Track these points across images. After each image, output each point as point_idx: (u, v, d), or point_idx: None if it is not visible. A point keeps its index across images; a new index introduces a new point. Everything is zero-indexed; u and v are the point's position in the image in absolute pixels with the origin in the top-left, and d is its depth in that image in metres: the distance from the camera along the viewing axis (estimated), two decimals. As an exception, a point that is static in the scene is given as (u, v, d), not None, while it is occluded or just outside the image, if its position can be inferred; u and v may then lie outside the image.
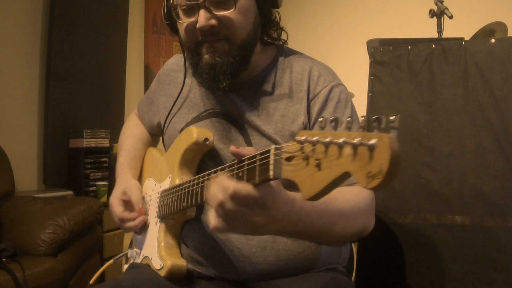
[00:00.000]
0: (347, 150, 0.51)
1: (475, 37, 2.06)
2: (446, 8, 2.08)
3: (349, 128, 0.53)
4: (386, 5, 3.81)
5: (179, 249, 1.03)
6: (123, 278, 0.96)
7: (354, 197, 0.86)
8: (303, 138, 0.57)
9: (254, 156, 0.68)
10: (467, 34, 1.89)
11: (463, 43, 1.35)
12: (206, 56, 0.96)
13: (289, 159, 0.60)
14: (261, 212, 0.67)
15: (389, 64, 1.44)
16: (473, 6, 3.26)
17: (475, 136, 1.30)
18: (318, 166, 0.54)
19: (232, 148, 0.72)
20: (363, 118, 0.51)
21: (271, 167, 0.63)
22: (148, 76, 3.71)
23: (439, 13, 2.13)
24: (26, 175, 2.78)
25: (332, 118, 0.55)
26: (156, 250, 1.01)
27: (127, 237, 1.22)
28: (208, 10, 0.92)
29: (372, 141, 0.48)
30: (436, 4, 2.13)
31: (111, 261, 1.14)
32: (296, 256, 0.96)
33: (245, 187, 0.65)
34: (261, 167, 0.66)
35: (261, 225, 0.68)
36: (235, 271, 0.95)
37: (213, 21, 0.93)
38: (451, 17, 2.05)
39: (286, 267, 0.95)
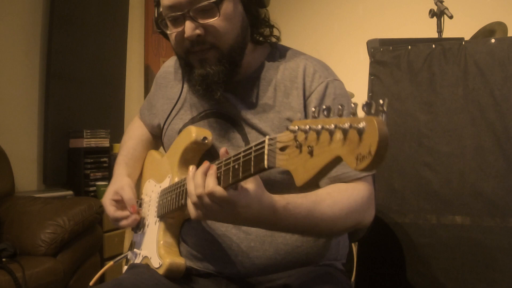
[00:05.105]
0: (338, 135, 0.52)
1: (475, 37, 2.06)
2: (446, 8, 2.08)
3: (340, 116, 0.55)
4: (386, 5, 3.81)
5: (178, 248, 1.03)
6: (123, 278, 0.96)
7: (344, 198, 0.89)
8: (296, 127, 0.59)
9: (250, 148, 0.70)
10: (467, 34, 1.89)
11: (463, 43, 1.35)
12: (198, 66, 0.97)
13: (283, 149, 0.62)
14: (231, 212, 0.76)
15: (389, 64, 1.44)
16: (473, 6, 3.27)
17: (475, 136, 1.30)
18: (311, 153, 0.56)
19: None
20: (354, 105, 0.53)
21: (266, 157, 0.66)
22: (148, 76, 3.71)
23: (439, 13, 2.12)
24: (26, 175, 2.78)
25: (324, 107, 0.56)
26: (155, 249, 1.01)
27: (127, 238, 1.22)
28: (193, 19, 0.92)
29: (361, 124, 0.49)
30: (436, 4, 2.13)
31: (111, 263, 1.13)
32: (294, 250, 0.97)
33: (220, 191, 0.75)
34: (256, 158, 0.68)
35: (232, 221, 0.81)
36: (234, 266, 0.96)
37: (198, 31, 0.93)
38: (451, 17, 2.05)
39: (285, 261, 0.96)
